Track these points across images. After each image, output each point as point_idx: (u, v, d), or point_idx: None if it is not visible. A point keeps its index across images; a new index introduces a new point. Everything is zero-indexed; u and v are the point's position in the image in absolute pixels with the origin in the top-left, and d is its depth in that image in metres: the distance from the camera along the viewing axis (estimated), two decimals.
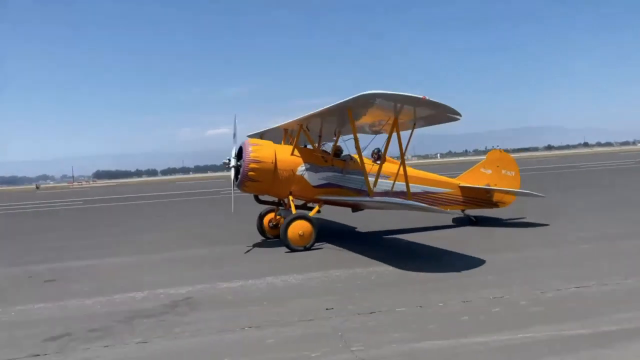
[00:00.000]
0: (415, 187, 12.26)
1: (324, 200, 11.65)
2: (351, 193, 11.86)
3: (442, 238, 11.61)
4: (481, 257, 9.03)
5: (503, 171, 13.82)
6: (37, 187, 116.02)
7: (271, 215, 12.72)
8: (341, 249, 10.85)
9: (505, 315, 5.81)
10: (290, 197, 11.57)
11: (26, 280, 9.51)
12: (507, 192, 13.54)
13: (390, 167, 12.08)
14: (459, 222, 13.90)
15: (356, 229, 14.04)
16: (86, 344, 5.60)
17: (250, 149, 11.25)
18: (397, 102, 9.50)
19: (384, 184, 11.71)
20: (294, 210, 11.29)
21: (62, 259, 11.71)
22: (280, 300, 6.98)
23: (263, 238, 12.67)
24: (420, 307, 6.29)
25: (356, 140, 10.88)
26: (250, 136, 14.40)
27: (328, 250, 10.74)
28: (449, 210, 13.23)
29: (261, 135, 14.07)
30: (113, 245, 13.48)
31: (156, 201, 32.84)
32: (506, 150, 15.83)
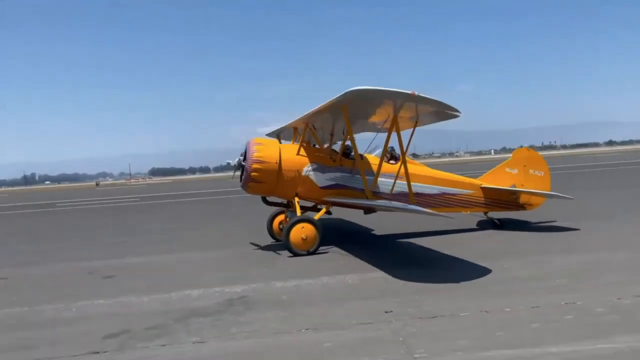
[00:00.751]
0: (431, 188, 11.79)
1: (331, 202, 11.12)
2: (360, 194, 11.17)
3: (483, 241, 11.11)
4: (542, 259, 8.59)
5: (531, 171, 12.80)
6: (97, 184, 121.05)
7: (282, 217, 12.40)
8: (401, 248, 10.55)
9: (580, 323, 5.38)
10: (296, 199, 11.11)
11: (86, 276, 9.73)
12: (533, 194, 12.62)
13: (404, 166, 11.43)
14: (482, 226, 13.07)
15: (408, 231, 13.62)
16: (145, 342, 5.60)
17: (253, 148, 10.90)
18: (385, 98, 9.02)
19: (397, 185, 11.17)
20: (298, 212, 10.89)
21: (120, 255, 11.97)
22: (337, 302, 6.79)
23: (273, 240, 12.38)
24: (486, 312, 5.93)
25: (352, 138, 10.52)
26: (268, 134, 14.13)
27: (387, 250, 10.45)
28: (468, 212, 12.49)
29: (278, 134, 13.63)
30: (169, 242, 13.70)
31: (211, 198, 33.41)
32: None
